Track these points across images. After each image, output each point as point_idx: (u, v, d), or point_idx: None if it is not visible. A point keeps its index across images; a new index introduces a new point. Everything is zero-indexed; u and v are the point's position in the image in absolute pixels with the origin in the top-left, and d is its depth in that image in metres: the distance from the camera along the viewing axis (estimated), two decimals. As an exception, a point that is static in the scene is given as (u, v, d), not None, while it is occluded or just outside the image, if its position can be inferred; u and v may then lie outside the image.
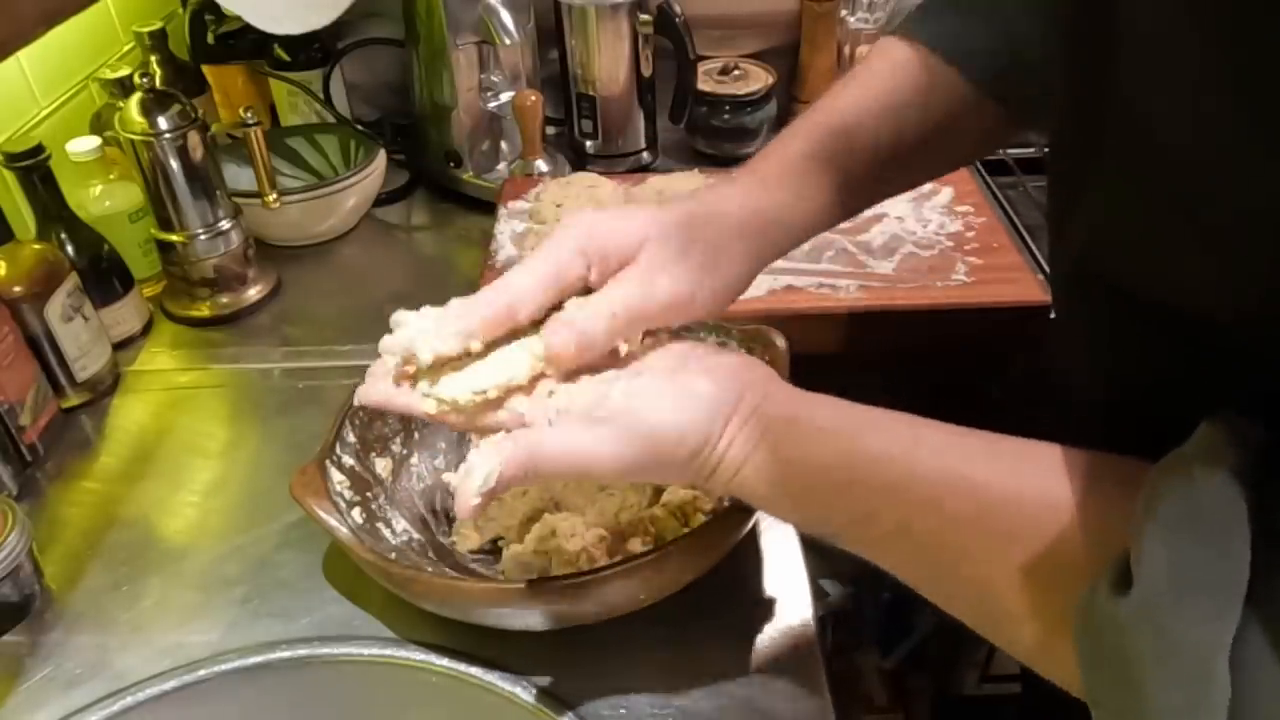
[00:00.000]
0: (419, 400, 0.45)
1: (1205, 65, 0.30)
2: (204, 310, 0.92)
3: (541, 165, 1.09)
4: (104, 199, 0.90)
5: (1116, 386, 0.43)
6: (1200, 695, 0.27)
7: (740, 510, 0.55)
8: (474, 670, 0.57)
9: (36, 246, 0.77)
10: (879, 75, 0.56)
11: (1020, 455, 0.37)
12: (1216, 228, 0.32)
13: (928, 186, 1.01)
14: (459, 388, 0.44)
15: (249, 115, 0.90)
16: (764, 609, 0.61)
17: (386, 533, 0.62)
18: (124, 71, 0.92)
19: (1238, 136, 0.29)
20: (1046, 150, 0.47)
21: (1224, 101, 0.29)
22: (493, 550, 0.65)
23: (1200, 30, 0.29)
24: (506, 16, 1.02)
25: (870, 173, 0.56)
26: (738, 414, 0.42)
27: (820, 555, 0.64)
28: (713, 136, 1.17)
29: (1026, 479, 0.36)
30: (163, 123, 0.84)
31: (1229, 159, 0.30)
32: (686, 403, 0.42)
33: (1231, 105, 0.29)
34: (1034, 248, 0.99)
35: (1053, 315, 0.54)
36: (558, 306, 0.46)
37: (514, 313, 0.45)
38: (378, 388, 0.47)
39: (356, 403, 0.48)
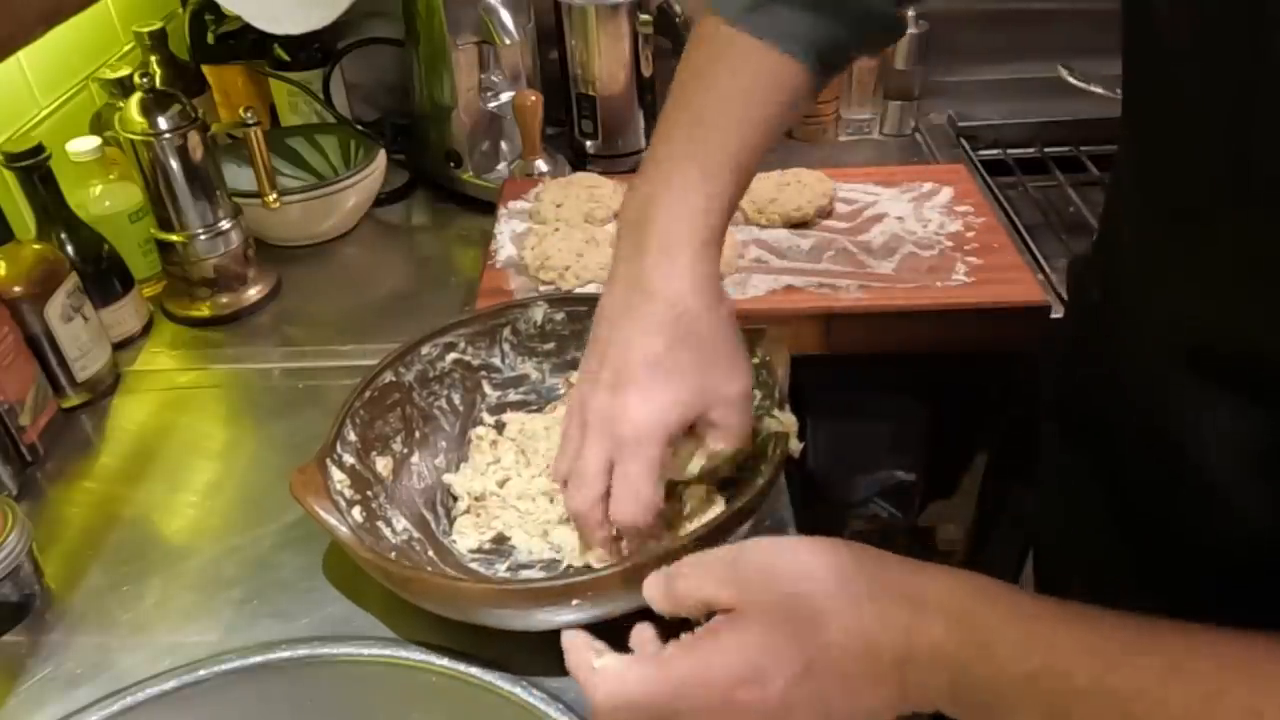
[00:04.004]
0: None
1: None
2: (204, 310, 0.92)
3: (541, 165, 1.09)
4: (104, 199, 0.90)
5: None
6: None
7: (739, 512, 0.55)
8: (474, 670, 0.57)
9: (36, 246, 0.77)
10: (749, 91, 0.59)
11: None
12: None
13: (927, 186, 1.01)
14: None
15: (249, 115, 0.90)
16: (764, 609, 0.61)
17: (386, 532, 0.62)
18: (124, 71, 0.92)
19: None
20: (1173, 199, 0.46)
21: None
22: (493, 550, 0.65)
23: None
24: (506, 16, 1.02)
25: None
26: None
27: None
28: (713, 136, 1.17)
29: None
30: (163, 123, 0.84)
31: None
32: None
33: None
34: (1034, 248, 0.99)
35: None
36: None
37: None
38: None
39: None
